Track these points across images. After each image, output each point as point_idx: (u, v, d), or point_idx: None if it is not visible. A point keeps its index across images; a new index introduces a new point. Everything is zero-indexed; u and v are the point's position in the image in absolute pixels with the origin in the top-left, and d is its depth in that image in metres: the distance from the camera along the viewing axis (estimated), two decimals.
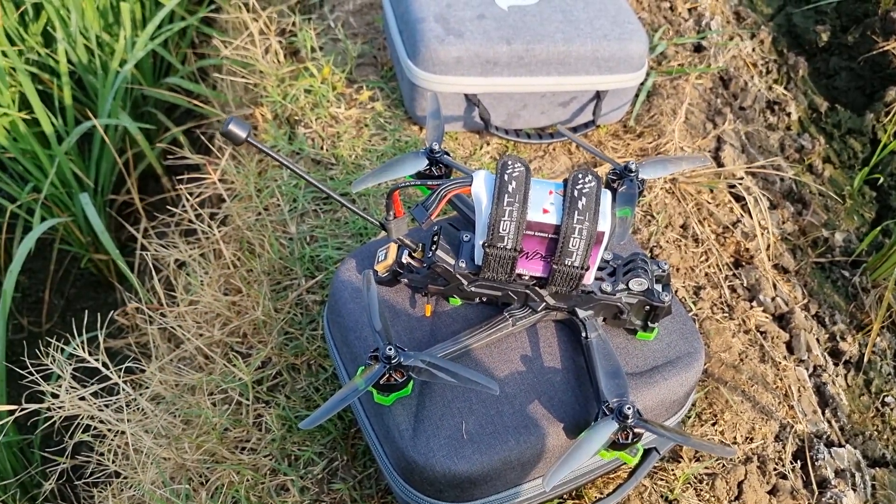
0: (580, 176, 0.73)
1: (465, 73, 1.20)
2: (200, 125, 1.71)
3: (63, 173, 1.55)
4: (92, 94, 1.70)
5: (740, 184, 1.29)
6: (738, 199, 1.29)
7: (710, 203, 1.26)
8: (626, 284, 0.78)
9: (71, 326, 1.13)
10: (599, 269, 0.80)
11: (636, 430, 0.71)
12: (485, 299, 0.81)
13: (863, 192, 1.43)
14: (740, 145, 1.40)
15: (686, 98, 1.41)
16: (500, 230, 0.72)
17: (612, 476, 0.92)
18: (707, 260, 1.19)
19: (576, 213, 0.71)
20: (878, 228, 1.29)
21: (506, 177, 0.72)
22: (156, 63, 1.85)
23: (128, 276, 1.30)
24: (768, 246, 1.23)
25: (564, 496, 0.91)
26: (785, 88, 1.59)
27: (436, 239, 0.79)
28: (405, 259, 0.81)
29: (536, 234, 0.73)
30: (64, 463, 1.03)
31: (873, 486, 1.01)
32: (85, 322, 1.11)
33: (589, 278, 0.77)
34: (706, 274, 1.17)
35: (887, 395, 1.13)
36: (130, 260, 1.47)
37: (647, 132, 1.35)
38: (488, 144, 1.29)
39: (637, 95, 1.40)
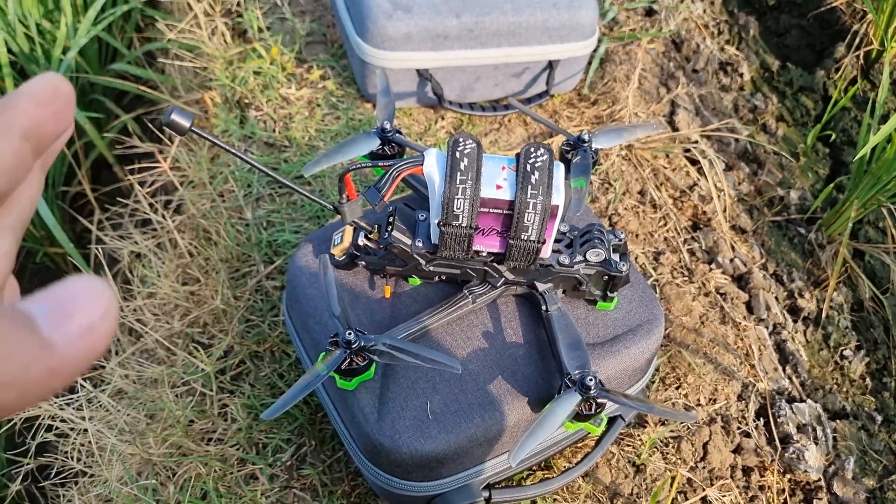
0: (532, 150, 0.73)
1: (415, 48, 1.18)
2: (150, 112, 1.67)
3: None
4: None
5: (695, 147, 1.30)
6: (694, 162, 1.30)
7: (666, 168, 1.27)
8: (584, 256, 0.78)
9: None
10: (556, 241, 0.80)
11: (599, 400, 0.72)
12: (444, 278, 0.81)
13: (816, 149, 1.44)
14: (694, 108, 1.40)
15: (639, 63, 1.41)
16: (455, 208, 0.72)
17: (579, 445, 0.93)
18: (665, 225, 1.19)
19: (529, 187, 0.71)
20: (832, 185, 1.31)
21: (457, 154, 0.71)
22: (101, 49, 1.80)
23: (84, 270, 1.28)
24: (725, 207, 1.24)
25: (533, 467, 0.91)
26: (737, 49, 1.60)
27: (391, 220, 0.79)
28: (361, 241, 0.80)
29: (491, 210, 0.73)
30: (28, 464, 1.02)
31: (834, 438, 1.03)
32: None
33: (546, 251, 0.77)
34: (665, 239, 1.18)
35: (845, 349, 1.15)
36: (87, 252, 1.44)
37: (602, 99, 1.35)
38: (443, 119, 1.28)
39: (590, 63, 1.40)
